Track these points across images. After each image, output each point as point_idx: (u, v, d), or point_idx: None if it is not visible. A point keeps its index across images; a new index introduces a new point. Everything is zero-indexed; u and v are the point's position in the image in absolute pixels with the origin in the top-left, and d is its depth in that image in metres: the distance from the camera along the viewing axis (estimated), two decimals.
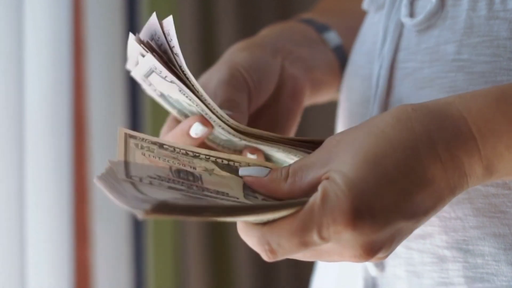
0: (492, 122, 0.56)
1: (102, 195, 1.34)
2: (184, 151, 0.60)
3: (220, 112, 0.63)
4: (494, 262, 0.63)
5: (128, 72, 1.38)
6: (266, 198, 0.59)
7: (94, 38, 1.33)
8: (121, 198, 0.54)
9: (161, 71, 0.61)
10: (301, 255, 0.57)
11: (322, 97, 0.79)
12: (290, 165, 0.58)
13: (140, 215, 0.51)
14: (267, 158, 0.67)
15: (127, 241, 1.41)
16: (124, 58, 1.38)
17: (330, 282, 0.75)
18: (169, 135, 0.67)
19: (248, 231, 0.57)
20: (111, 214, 1.37)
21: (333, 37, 0.78)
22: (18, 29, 1.17)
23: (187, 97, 0.62)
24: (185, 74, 0.61)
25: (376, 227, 0.54)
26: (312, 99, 0.77)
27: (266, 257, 0.56)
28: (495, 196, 0.63)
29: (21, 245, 1.19)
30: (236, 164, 0.61)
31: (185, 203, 0.54)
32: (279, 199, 0.58)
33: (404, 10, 0.68)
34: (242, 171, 0.60)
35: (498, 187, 0.63)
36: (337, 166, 0.55)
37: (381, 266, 0.68)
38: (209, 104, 0.62)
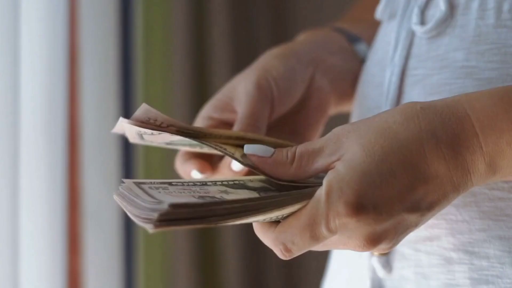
0: (495, 119, 0.58)
1: (93, 202, 1.34)
2: (192, 183, 0.61)
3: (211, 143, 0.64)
4: (499, 264, 0.64)
5: (122, 78, 1.38)
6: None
7: (89, 44, 1.33)
8: (134, 210, 0.56)
9: (145, 131, 0.63)
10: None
11: (347, 107, 0.81)
12: (296, 147, 0.60)
13: (150, 229, 0.55)
14: None
15: (118, 250, 1.41)
16: (119, 64, 1.38)
17: (340, 284, 0.76)
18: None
19: (264, 232, 0.60)
20: (102, 222, 1.36)
21: (363, 49, 0.80)
22: (13, 34, 1.17)
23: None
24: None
25: (378, 219, 0.57)
26: (338, 108, 0.80)
27: (282, 256, 0.60)
28: (501, 199, 0.64)
29: (13, 253, 1.18)
30: (241, 182, 0.63)
31: (197, 201, 0.56)
32: (282, 180, 0.61)
33: (415, 18, 0.70)
34: (247, 149, 0.62)
35: (504, 190, 0.64)
36: (345, 157, 0.58)
37: (388, 268, 0.69)
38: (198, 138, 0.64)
